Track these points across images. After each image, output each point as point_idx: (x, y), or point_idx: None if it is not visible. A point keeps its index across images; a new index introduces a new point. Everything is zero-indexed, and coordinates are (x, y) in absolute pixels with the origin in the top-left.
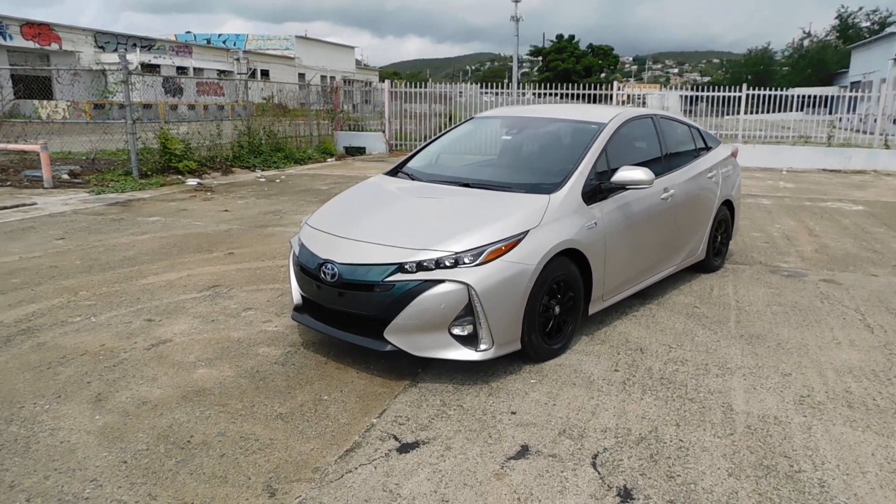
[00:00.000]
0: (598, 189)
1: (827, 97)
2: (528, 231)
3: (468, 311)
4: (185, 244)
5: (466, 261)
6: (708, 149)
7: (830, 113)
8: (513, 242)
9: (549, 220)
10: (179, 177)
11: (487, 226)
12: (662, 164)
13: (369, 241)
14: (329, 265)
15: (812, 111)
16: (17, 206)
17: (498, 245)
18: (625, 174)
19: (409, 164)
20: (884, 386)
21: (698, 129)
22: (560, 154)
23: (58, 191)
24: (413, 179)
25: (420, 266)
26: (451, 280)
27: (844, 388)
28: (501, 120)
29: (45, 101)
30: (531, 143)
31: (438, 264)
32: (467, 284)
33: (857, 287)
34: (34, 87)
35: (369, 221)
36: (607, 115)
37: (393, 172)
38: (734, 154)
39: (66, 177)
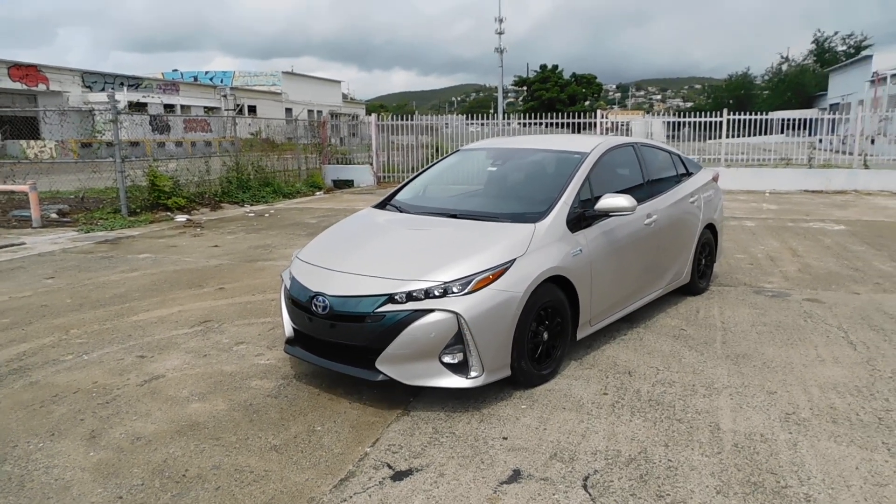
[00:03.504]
0: (583, 216)
1: (807, 120)
2: (514, 259)
3: (458, 340)
4: (176, 280)
5: (455, 290)
6: (689, 174)
7: (811, 135)
8: (500, 271)
9: (536, 248)
10: (168, 213)
11: (475, 255)
12: (645, 190)
13: (359, 273)
14: (320, 298)
15: (793, 133)
16: (5, 246)
17: (486, 274)
18: (608, 201)
19: (398, 197)
20: (867, 401)
21: (679, 156)
22: (544, 183)
23: (47, 230)
24: (401, 211)
25: (410, 296)
26: (440, 309)
27: (829, 405)
28: (487, 151)
29: (31, 142)
30: (516, 173)
31: (428, 294)
32: (456, 313)
33: (840, 305)
34: (21, 127)
35: (359, 254)
36: (589, 145)
37: (381, 205)
38: (715, 178)
39: (54, 216)
